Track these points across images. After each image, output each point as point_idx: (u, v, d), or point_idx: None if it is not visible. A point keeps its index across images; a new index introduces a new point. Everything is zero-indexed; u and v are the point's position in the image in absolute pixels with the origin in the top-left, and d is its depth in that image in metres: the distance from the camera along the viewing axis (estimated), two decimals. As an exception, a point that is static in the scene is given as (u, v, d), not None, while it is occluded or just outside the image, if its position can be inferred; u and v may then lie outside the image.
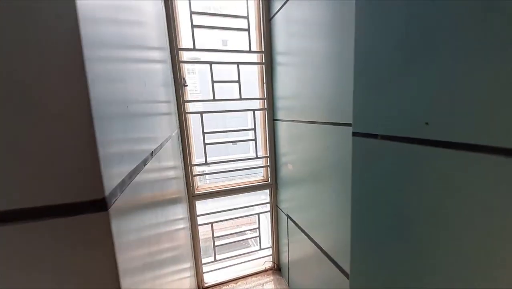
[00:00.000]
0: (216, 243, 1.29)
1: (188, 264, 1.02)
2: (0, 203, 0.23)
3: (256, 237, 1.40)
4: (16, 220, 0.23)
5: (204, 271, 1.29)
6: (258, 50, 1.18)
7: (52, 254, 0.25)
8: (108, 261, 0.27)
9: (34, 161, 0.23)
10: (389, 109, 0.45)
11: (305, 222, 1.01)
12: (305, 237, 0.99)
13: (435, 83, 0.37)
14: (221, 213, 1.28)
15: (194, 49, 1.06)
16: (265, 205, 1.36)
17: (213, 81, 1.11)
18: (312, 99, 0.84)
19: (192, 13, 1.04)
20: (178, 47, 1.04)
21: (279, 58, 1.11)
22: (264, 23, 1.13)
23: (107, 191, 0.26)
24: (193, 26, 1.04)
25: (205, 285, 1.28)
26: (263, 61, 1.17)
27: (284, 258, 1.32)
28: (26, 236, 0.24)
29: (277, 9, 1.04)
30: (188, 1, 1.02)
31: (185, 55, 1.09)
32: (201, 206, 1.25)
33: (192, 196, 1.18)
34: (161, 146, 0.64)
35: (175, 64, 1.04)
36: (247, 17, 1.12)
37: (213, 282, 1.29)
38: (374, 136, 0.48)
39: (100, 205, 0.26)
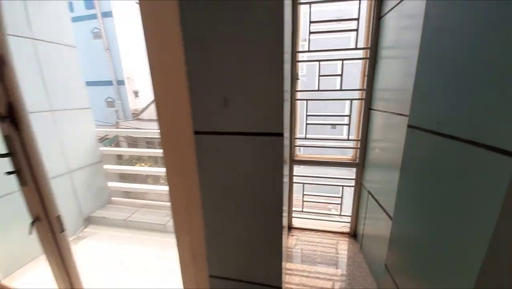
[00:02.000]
0: (305, 199, 1.70)
1: (285, 207, 1.48)
2: (246, 128, 0.68)
3: (338, 204, 1.69)
4: (249, 135, 0.68)
5: (293, 216, 1.76)
6: (364, 46, 1.35)
7: (259, 151, 0.69)
8: (280, 154, 0.67)
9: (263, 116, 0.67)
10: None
11: (385, 202, 1.19)
12: (385, 216, 1.18)
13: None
14: (311, 178, 1.66)
15: (308, 50, 1.39)
16: (350, 180, 1.60)
17: (319, 76, 1.42)
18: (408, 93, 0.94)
19: (310, 22, 1.35)
20: (296, 50, 1.40)
21: (384, 53, 1.25)
22: (374, 21, 1.28)
23: (283, 130, 0.67)
24: (310, 32, 1.36)
25: (293, 226, 1.75)
26: (368, 56, 1.34)
27: (360, 228, 1.55)
28: (251, 143, 0.69)
29: (391, 7, 1.16)
30: (308, 11, 1.34)
31: (299, 56, 1.44)
32: (296, 169, 1.67)
33: (292, 161, 1.62)
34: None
35: (293, 63, 1.42)
36: (357, 19, 1.30)
37: (299, 226, 1.74)
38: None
39: (281, 135, 0.66)
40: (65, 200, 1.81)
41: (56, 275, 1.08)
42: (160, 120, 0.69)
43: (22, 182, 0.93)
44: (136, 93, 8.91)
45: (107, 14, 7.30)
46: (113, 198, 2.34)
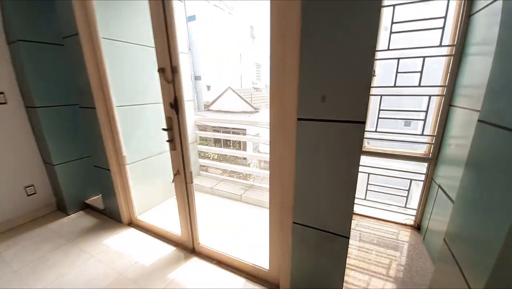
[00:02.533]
0: (369, 188, 1.83)
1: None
2: (337, 116, 0.93)
3: (404, 196, 1.75)
4: (338, 122, 0.92)
5: (355, 203, 1.91)
6: (450, 44, 1.36)
7: (345, 134, 0.93)
8: (361, 136, 0.91)
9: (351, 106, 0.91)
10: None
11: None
12: (451, 202, 1.25)
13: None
14: (378, 169, 1.77)
15: (388, 49, 1.49)
16: (419, 175, 1.64)
17: (397, 72, 1.51)
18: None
19: (392, 22, 1.45)
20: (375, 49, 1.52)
21: (471, 50, 1.25)
22: (463, 19, 1.28)
23: (366, 119, 0.90)
24: (391, 32, 1.46)
25: (354, 212, 1.91)
26: (453, 53, 1.35)
27: (425, 222, 1.59)
28: (339, 127, 0.93)
29: (484, 6, 1.16)
30: (392, 12, 1.44)
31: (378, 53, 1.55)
32: (364, 160, 1.81)
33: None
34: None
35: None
36: (445, 17, 1.33)
37: (360, 212, 1.89)
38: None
39: (363, 122, 0.89)
40: (169, 169, 2.46)
41: (181, 213, 1.61)
42: (272, 107, 1.02)
43: (173, 147, 1.44)
44: (208, 88, 10.10)
45: (191, 18, 8.49)
46: (201, 171, 2.97)
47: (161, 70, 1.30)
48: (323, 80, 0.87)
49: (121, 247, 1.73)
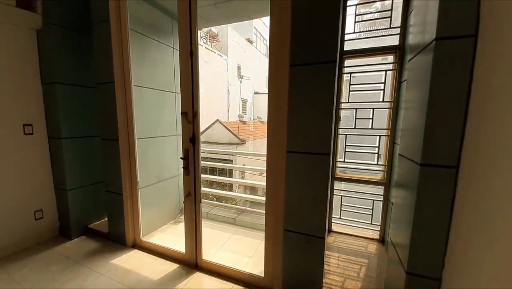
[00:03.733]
0: (342, 208, 2.24)
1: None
2: (312, 150, 1.37)
3: (369, 214, 2.17)
4: (313, 154, 1.37)
5: (332, 222, 2.29)
6: (389, 100, 1.96)
7: (318, 162, 1.37)
8: (328, 163, 1.35)
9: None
10: None
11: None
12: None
13: None
14: (349, 192, 2.21)
15: (348, 102, 2.06)
16: (379, 196, 2.09)
17: (355, 118, 2.06)
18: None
19: (350, 84, 2.04)
20: (340, 101, 2.08)
21: (401, 105, 1.83)
22: (396, 84, 1.89)
23: (330, 151, 1.35)
24: (350, 91, 2.04)
25: (332, 229, 2.28)
26: (392, 107, 1.93)
27: (386, 236, 2.00)
28: (313, 157, 1.36)
29: (405, 79, 1.78)
30: (349, 78, 2.04)
31: (342, 105, 2.11)
32: (337, 185, 2.25)
33: (333, 177, 2.21)
34: (329, 148, 1.72)
35: (337, 110, 2.10)
36: (384, 83, 1.94)
37: (337, 230, 2.26)
38: None
39: (328, 154, 1.34)
40: (173, 194, 2.72)
41: (188, 230, 1.87)
42: (269, 143, 1.45)
43: (187, 173, 1.79)
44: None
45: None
46: (196, 197, 3.22)
47: (184, 113, 1.72)
48: (303, 127, 1.33)
49: (128, 265, 1.91)
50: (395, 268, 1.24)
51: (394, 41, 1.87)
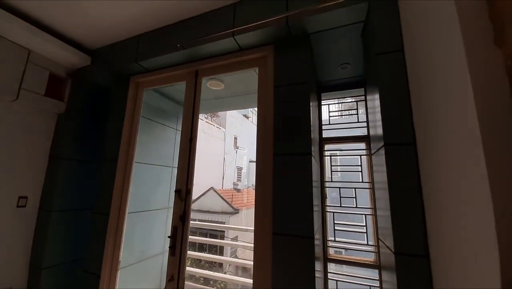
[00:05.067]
0: (339, 296, 2.05)
1: None
2: (298, 233, 1.42)
3: (368, 304, 1.98)
4: (298, 236, 1.41)
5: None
6: (368, 180, 2.14)
7: (305, 244, 1.40)
8: (312, 245, 1.37)
9: (301, 230, 1.42)
10: None
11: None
12: None
13: None
14: (343, 276, 2.09)
15: (331, 181, 2.25)
16: (375, 280, 1.97)
17: (340, 196, 2.18)
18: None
19: (332, 165, 2.28)
20: (324, 180, 2.26)
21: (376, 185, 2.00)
22: (372, 168, 2.12)
23: (314, 235, 1.40)
24: (332, 171, 2.26)
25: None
26: (371, 187, 2.10)
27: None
28: (298, 240, 1.40)
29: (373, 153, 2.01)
30: (330, 158, 2.29)
31: (326, 183, 2.29)
32: (330, 267, 2.14)
33: (326, 258, 2.13)
34: (316, 228, 1.77)
35: (323, 188, 2.25)
36: (360, 165, 2.18)
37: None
38: None
39: (312, 238, 1.39)
40: (154, 275, 2.49)
41: (166, 325, 1.66)
42: (256, 225, 1.50)
43: (172, 253, 1.74)
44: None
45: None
46: (180, 279, 2.91)
47: (177, 191, 1.83)
48: (287, 209, 1.43)
49: None
50: None
51: (364, 131, 2.22)
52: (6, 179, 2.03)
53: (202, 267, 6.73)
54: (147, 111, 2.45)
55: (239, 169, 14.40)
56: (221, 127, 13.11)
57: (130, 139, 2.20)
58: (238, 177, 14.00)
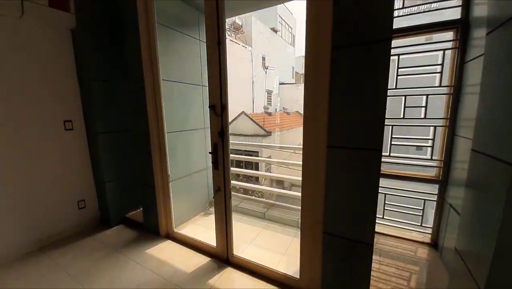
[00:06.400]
0: (386, 208, 2.00)
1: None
2: (360, 145, 1.19)
3: (419, 216, 1.91)
4: (361, 149, 1.19)
5: (373, 222, 2.08)
6: (448, 84, 1.64)
7: (365, 159, 1.19)
8: (379, 159, 1.17)
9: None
10: None
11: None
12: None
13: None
14: (394, 190, 1.96)
15: (395, 88, 1.79)
16: (432, 195, 1.82)
17: (405, 106, 1.78)
18: None
19: (398, 68, 1.76)
20: (385, 87, 1.82)
21: (467, 90, 1.52)
22: (458, 65, 1.57)
23: (381, 147, 1.16)
24: (397, 75, 1.76)
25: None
26: (452, 92, 1.62)
27: (441, 240, 1.73)
28: (359, 153, 1.19)
29: (475, 57, 1.45)
30: (397, 59, 1.75)
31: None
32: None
33: (375, 174, 1.98)
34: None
35: (381, 97, 1.83)
36: (442, 64, 1.63)
37: (378, 230, 2.04)
38: None
39: (379, 150, 1.15)
40: (202, 187, 2.71)
41: (218, 225, 1.83)
42: (306, 137, 1.29)
43: (215, 167, 1.72)
44: (223, 111, 10.67)
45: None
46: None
47: (212, 106, 1.64)
48: (348, 118, 1.15)
49: (162, 256, 1.94)
50: (463, 283, 1.03)
51: (455, 15, 1.54)
52: (47, 105, 2.04)
53: (241, 181, 7.61)
54: (164, 19, 2.02)
55: (269, 93, 13.80)
56: (247, 46, 11.78)
57: (151, 52, 1.91)
58: (268, 101, 13.60)
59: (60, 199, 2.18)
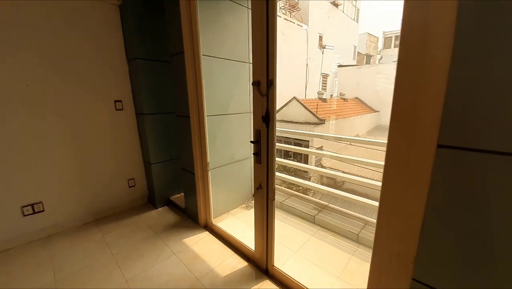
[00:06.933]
0: None
1: None
2: (474, 143, 0.66)
3: None
4: (494, 153, 0.66)
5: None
6: None
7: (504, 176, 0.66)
8: None
9: None
10: None
11: None
12: None
13: None
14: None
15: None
16: None
17: None
18: None
19: None
20: None
21: None
22: None
23: None
24: None
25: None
26: None
27: None
28: (490, 163, 0.66)
29: None
30: None
31: None
32: None
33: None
34: None
35: None
36: None
37: None
38: None
39: None
40: (245, 177, 2.47)
41: (258, 229, 1.54)
42: (395, 125, 0.82)
43: (258, 160, 1.40)
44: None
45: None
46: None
47: (256, 83, 1.29)
48: (492, 92, 0.62)
49: (198, 249, 1.80)
50: None
51: None
52: (99, 84, 2.07)
53: (288, 172, 7.21)
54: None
55: (325, 76, 12.59)
56: (302, 24, 10.80)
57: (191, 23, 1.66)
58: (323, 86, 12.46)
59: (112, 176, 2.28)
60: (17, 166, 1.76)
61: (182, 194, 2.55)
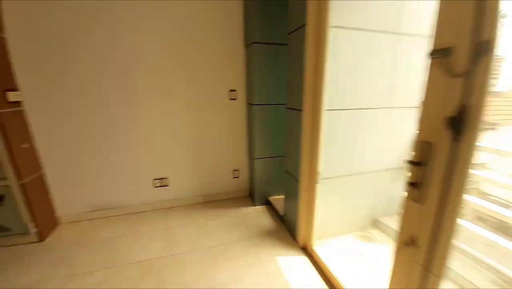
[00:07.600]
0: None
1: None
2: None
3: None
4: None
5: None
6: None
7: None
8: None
9: None
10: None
11: None
12: None
13: None
14: None
15: None
16: None
17: None
18: None
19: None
20: None
21: None
22: None
23: None
24: None
25: None
26: None
27: None
28: None
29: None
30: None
31: None
32: None
33: None
34: None
35: None
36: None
37: None
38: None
39: None
40: (366, 195, 1.79)
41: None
42: None
43: (416, 197, 0.78)
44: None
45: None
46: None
47: (443, 51, 0.65)
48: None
49: (292, 279, 1.43)
50: None
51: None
52: (216, 73, 2.07)
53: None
54: None
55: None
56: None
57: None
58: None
59: (220, 164, 2.32)
60: (153, 143, 2.06)
61: (282, 196, 2.26)
